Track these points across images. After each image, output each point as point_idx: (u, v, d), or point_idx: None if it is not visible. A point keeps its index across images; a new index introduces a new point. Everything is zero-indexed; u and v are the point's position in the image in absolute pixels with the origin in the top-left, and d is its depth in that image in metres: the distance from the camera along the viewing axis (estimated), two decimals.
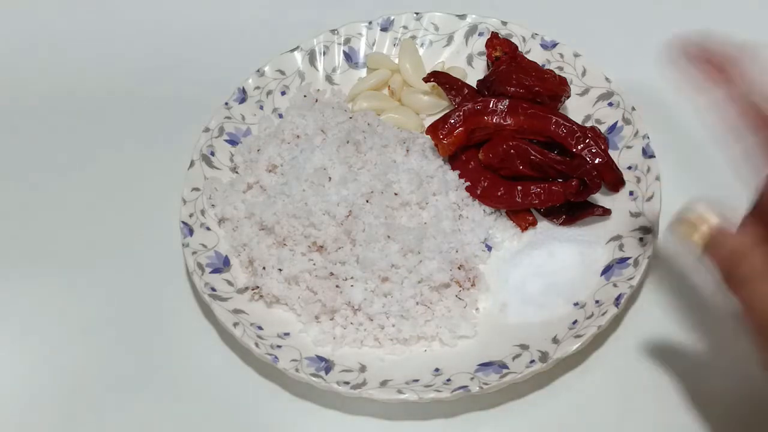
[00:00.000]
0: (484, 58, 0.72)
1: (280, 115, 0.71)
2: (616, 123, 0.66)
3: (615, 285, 0.58)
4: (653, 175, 0.62)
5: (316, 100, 0.70)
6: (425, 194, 0.63)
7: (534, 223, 0.64)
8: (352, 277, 0.59)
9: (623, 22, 0.79)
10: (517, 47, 0.70)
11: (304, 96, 0.71)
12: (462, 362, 0.57)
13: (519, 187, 0.63)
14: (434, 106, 0.71)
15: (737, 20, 0.78)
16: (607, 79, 0.68)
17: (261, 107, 0.71)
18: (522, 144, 0.63)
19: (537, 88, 0.65)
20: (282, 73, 0.72)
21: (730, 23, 0.78)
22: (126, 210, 0.69)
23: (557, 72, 0.68)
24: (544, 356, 0.55)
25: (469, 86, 0.68)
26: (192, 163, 0.66)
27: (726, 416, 0.56)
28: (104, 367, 0.61)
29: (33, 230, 0.69)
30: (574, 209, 0.63)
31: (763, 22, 0.77)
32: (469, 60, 0.73)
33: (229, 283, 0.62)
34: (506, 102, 0.64)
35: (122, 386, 0.60)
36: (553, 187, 0.63)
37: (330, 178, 0.63)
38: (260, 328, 0.59)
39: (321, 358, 0.58)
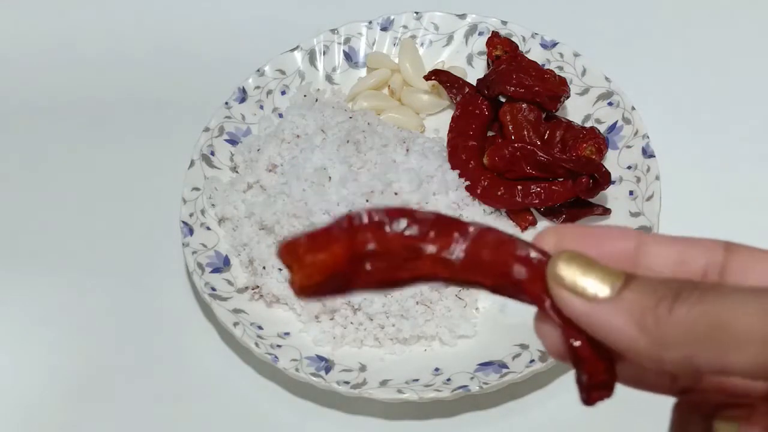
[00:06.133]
0: (484, 57, 0.72)
1: (280, 115, 0.70)
2: (616, 123, 0.66)
3: None
4: (653, 175, 0.62)
5: (316, 100, 0.70)
6: (425, 194, 0.63)
7: (534, 223, 0.64)
8: None
9: (623, 22, 0.79)
10: (517, 46, 0.70)
11: (304, 96, 0.71)
12: (462, 362, 0.57)
13: (519, 187, 0.63)
14: (434, 105, 0.71)
15: (736, 19, 0.78)
16: (607, 79, 0.68)
17: (261, 107, 0.71)
18: (527, 146, 0.63)
19: (537, 88, 0.65)
20: (282, 72, 0.72)
21: (729, 23, 0.78)
22: (126, 210, 0.69)
23: (557, 72, 0.68)
24: (544, 356, 0.55)
25: (469, 84, 0.68)
26: (192, 163, 0.66)
27: None
28: (104, 366, 0.61)
29: (32, 230, 0.69)
30: (574, 209, 0.63)
31: (759, 20, 0.77)
32: (469, 60, 0.73)
33: (229, 282, 0.62)
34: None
35: (122, 386, 0.60)
36: (554, 187, 0.63)
37: (330, 177, 0.63)
38: (260, 327, 0.59)
39: (321, 358, 0.58)
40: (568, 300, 0.24)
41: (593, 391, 0.25)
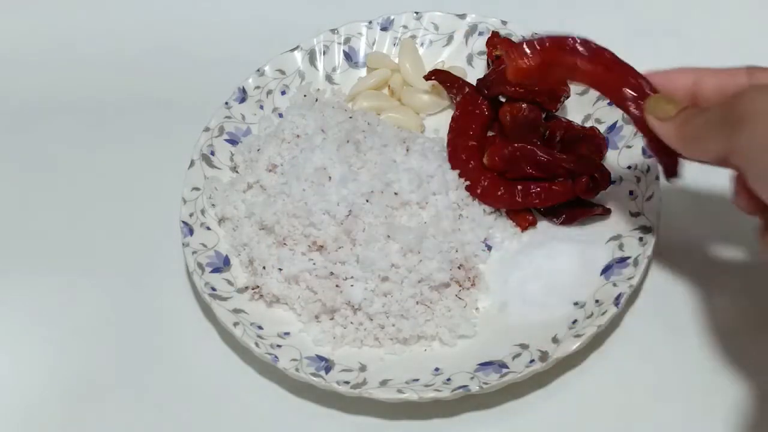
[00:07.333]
0: (484, 57, 0.72)
1: (280, 115, 0.71)
2: (615, 123, 0.66)
3: (615, 284, 0.58)
4: (653, 175, 0.62)
5: (316, 100, 0.70)
6: (425, 194, 0.63)
7: (534, 223, 0.64)
8: (352, 277, 0.59)
9: (623, 22, 0.79)
10: None
11: (304, 96, 0.71)
12: (462, 362, 0.57)
13: (519, 187, 0.63)
14: (434, 105, 0.71)
15: (736, 19, 0.78)
16: None
17: (261, 107, 0.71)
18: (527, 146, 0.63)
19: (537, 88, 0.65)
20: (282, 72, 0.72)
21: (729, 23, 0.78)
22: (126, 210, 0.69)
23: None
24: (543, 356, 0.55)
25: (469, 84, 0.68)
26: (192, 163, 0.66)
27: (727, 416, 0.56)
28: (104, 367, 0.61)
29: (32, 230, 0.69)
30: (574, 209, 0.63)
31: (760, 21, 0.77)
32: (469, 59, 0.73)
33: (229, 282, 0.62)
34: (590, 45, 0.56)
35: (122, 386, 0.60)
36: (553, 187, 0.63)
37: (330, 177, 0.63)
38: (260, 327, 0.59)
39: (321, 358, 0.58)
40: (651, 121, 0.50)
41: (668, 172, 0.53)
